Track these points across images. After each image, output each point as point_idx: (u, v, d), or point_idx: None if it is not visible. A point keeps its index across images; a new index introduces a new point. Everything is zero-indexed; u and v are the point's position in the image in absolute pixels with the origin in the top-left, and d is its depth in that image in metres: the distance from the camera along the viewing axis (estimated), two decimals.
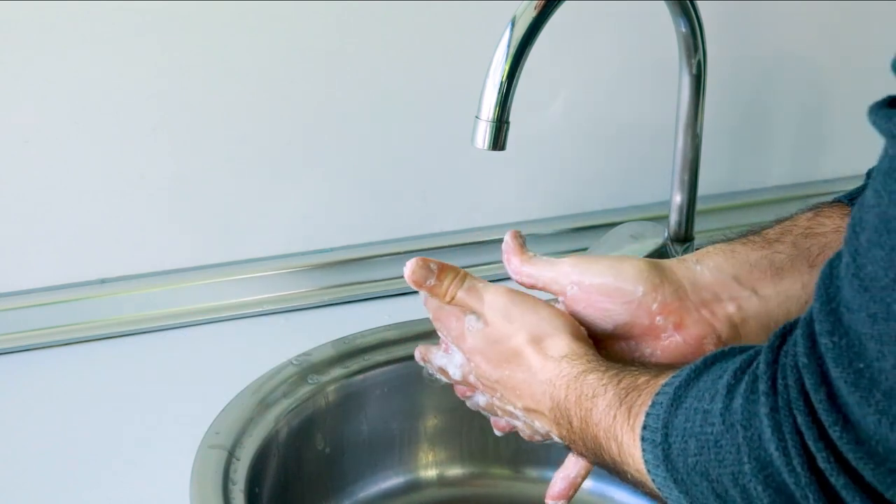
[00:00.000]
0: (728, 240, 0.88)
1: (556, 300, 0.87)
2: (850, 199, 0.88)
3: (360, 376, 1.10)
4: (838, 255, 0.60)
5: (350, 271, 1.20)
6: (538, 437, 0.87)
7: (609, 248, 1.15)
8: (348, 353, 1.11)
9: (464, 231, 1.24)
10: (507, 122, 0.91)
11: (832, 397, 0.59)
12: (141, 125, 1.12)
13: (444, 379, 0.92)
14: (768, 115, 1.31)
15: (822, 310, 0.60)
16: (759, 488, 0.64)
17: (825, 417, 0.60)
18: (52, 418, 1.05)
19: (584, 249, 1.18)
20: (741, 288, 0.85)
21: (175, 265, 1.17)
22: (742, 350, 0.70)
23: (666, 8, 1.04)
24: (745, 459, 0.64)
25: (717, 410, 0.66)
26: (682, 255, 1.10)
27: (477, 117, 0.91)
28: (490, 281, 1.20)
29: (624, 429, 0.75)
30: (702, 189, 1.14)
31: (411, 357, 1.11)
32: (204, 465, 0.97)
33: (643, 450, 0.73)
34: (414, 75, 1.18)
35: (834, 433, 0.59)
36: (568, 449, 0.84)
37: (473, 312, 0.87)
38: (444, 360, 0.91)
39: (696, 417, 0.68)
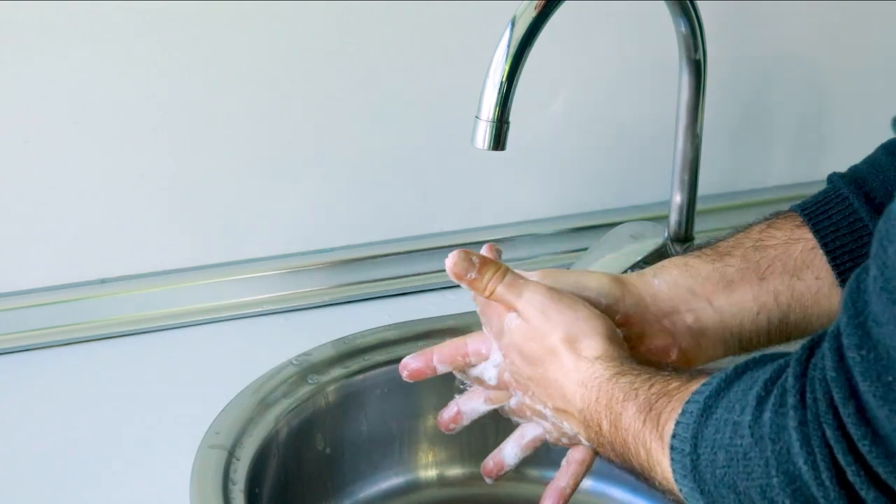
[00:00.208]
0: (684, 254, 0.91)
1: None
2: (803, 209, 0.89)
3: (360, 376, 1.10)
4: (865, 269, 0.60)
5: (350, 271, 1.20)
6: (565, 440, 0.88)
7: (609, 248, 1.15)
8: (348, 353, 1.11)
9: (464, 231, 1.24)
10: (507, 122, 0.91)
11: (861, 411, 0.59)
12: (141, 125, 1.12)
13: (479, 388, 0.93)
14: (768, 115, 1.31)
15: (850, 323, 0.59)
16: (788, 502, 0.64)
17: (854, 431, 0.60)
18: (52, 418, 1.05)
19: (584, 249, 1.18)
20: (696, 299, 0.88)
21: (175, 265, 1.17)
22: (773, 358, 0.70)
23: (666, 8, 1.04)
24: (774, 473, 0.64)
25: (747, 423, 0.66)
26: (681, 254, 1.10)
27: (477, 117, 0.91)
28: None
29: (653, 436, 0.75)
30: (702, 189, 1.14)
31: None
32: (204, 465, 0.97)
33: (671, 459, 0.73)
34: (414, 75, 1.18)
35: (863, 447, 0.59)
36: (596, 454, 0.85)
37: (513, 308, 0.87)
38: (480, 369, 0.91)
39: (726, 429, 0.68)
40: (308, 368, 1.09)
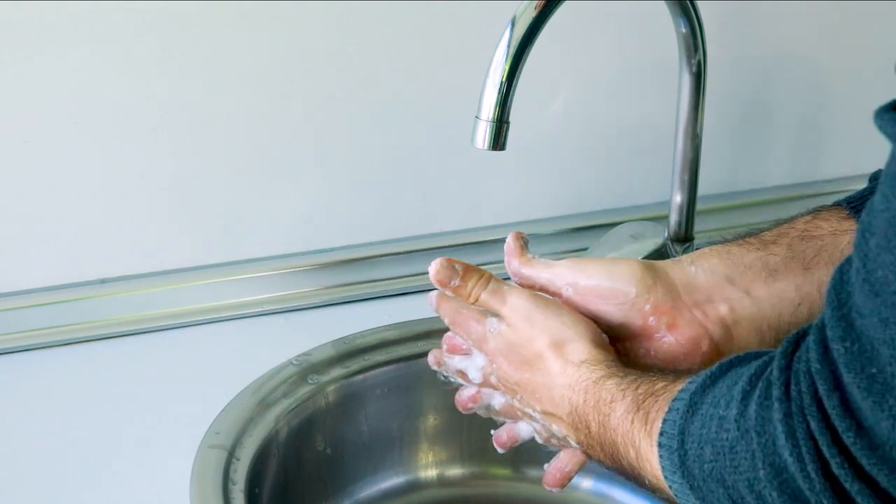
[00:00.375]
0: (726, 241, 0.89)
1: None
2: (849, 202, 0.88)
3: (360, 376, 1.10)
4: (849, 261, 0.60)
5: (350, 271, 1.20)
6: (555, 441, 0.88)
7: (609, 248, 1.15)
8: (348, 353, 1.11)
9: (464, 231, 1.24)
10: (507, 122, 0.91)
11: (845, 403, 0.59)
12: (141, 125, 1.12)
13: (461, 382, 0.92)
14: (768, 115, 1.31)
15: (834, 315, 0.59)
16: (774, 494, 0.64)
17: (838, 423, 0.60)
18: (52, 418, 1.05)
19: (584, 249, 1.18)
20: (734, 289, 0.86)
21: (175, 265, 1.17)
22: (758, 355, 0.70)
23: (666, 8, 1.04)
24: (760, 465, 0.64)
25: (732, 416, 0.66)
26: (681, 254, 1.10)
27: (477, 117, 0.91)
28: None
29: (641, 434, 0.75)
30: (702, 189, 1.14)
31: (411, 357, 1.11)
32: (204, 465, 0.97)
33: (660, 456, 0.73)
34: (414, 75, 1.18)
35: (847, 438, 0.59)
36: (587, 455, 0.84)
37: (496, 315, 0.87)
38: (465, 364, 0.91)
39: (712, 424, 0.68)
40: (308, 368, 1.09)
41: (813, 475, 0.61)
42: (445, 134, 1.19)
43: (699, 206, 1.14)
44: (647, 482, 0.76)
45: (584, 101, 1.24)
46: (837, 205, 0.89)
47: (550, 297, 0.88)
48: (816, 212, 0.89)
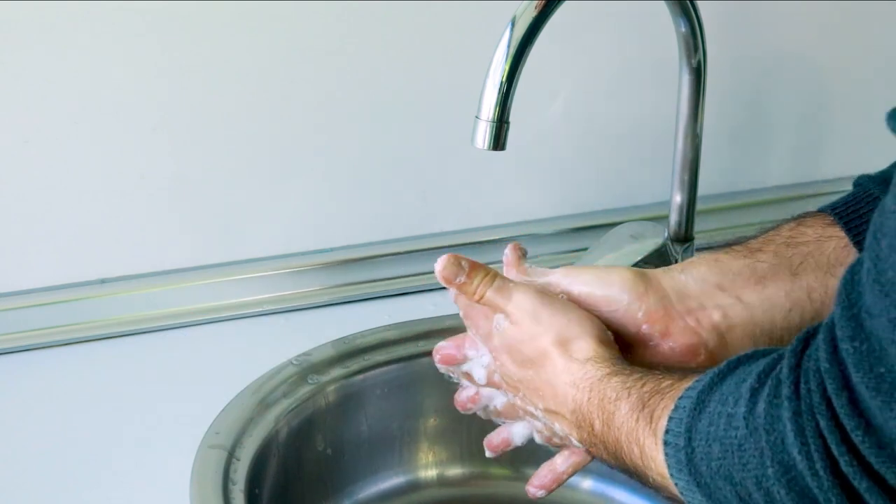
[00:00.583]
0: (712, 249, 0.90)
1: None
2: (833, 209, 0.89)
3: (360, 376, 1.10)
4: (859, 261, 0.60)
5: (350, 271, 1.20)
6: (556, 440, 0.88)
7: (609, 247, 1.15)
8: (348, 353, 1.11)
9: (464, 231, 1.24)
10: (507, 122, 0.91)
11: (854, 402, 0.60)
12: (141, 125, 1.12)
13: (466, 383, 0.92)
14: (768, 115, 1.31)
15: (844, 315, 0.60)
16: (783, 492, 0.64)
17: (847, 422, 0.60)
18: (52, 418, 1.05)
19: (584, 249, 1.18)
20: (725, 296, 0.86)
21: (175, 265, 1.17)
22: (766, 353, 0.70)
23: (666, 8, 1.04)
24: (769, 463, 0.65)
25: (741, 414, 0.67)
26: (681, 255, 1.10)
27: (477, 117, 0.91)
28: None
29: (646, 433, 0.75)
30: (702, 189, 1.14)
31: (411, 357, 1.11)
32: (204, 465, 0.97)
33: (666, 454, 0.73)
34: (414, 75, 1.18)
35: (856, 437, 0.60)
36: (590, 454, 0.84)
37: (502, 312, 0.87)
38: (469, 365, 0.91)
39: (720, 421, 0.68)
40: (308, 368, 1.09)
41: (821, 473, 0.62)
42: (445, 134, 1.19)
43: (699, 206, 1.14)
44: (651, 481, 0.76)
45: (583, 101, 1.24)
46: (821, 211, 0.90)
47: (556, 295, 0.88)
48: (800, 219, 0.90)
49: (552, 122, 1.23)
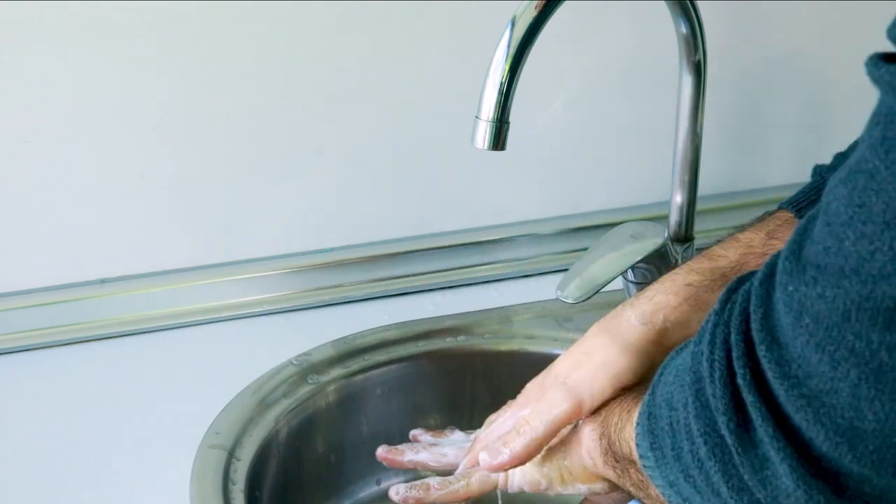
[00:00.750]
0: (692, 265, 0.90)
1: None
2: (796, 207, 0.90)
3: (360, 376, 1.10)
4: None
5: (350, 271, 1.20)
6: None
7: (609, 247, 1.14)
8: (348, 353, 1.11)
9: (464, 231, 1.24)
10: (507, 122, 0.91)
11: (767, 317, 0.61)
12: (141, 125, 1.12)
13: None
14: (768, 115, 1.31)
15: (793, 239, 0.61)
16: (690, 400, 0.66)
17: (756, 335, 0.61)
18: (52, 418, 1.05)
19: (584, 249, 1.18)
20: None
21: (175, 265, 1.17)
22: None
23: (666, 8, 1.04)
24: (687, 373, 0.67)
25: (692, 339, 0.69)
26: (681, 255, 1.10)
27: (477, 117, 0.91)
28: (489, 283, 1.20)
29: (628, 434, 0.77)
30: (702, 189, 1.14)
31: (411, 357, 1.11)
32: (204, 465, 0.97)
33: (636, 433, 0.74)
34: (414, 75, 1.18)
35: (760, 350, 0.61)
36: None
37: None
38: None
39: (679, 357, 0.71)
40: (308, 368, 1.09)
41: (717, 382, 0.63)
42: (445, 134, 1.19)
43: (699, 206, 1.14)
44: (654, 496, 0.77)
45: (583, 101, 1.24)
46: (785, 209, 0.92)
47: None
48: (771, 227, 0.91)
49: (552, 122, 1.23)
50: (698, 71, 1.07)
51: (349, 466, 1.11)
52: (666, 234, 1.14)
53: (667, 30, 1.06)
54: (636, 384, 0.85)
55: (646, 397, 0.74)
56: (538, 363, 0.93)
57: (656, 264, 1.08)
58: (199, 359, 1.13)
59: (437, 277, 1.22)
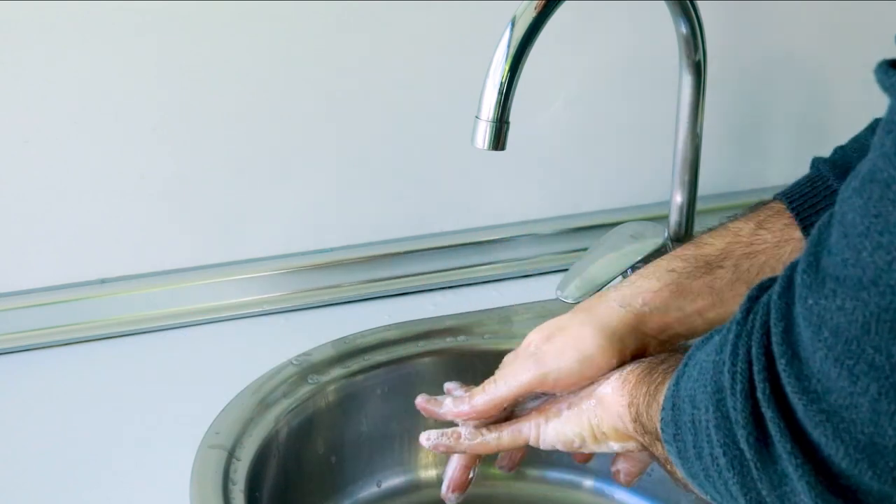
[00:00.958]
0: (674, 258, 0.91)
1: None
2: (790, 200, 0.90)
3: (360, 376, 1.10)
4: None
5: (350, 271, 1.20)
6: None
7: (609, 247, 1.14)
8: (348, 353, 1.11)
9: (464, 231, 1.24)
10: (507, 122, 0.91)
11: (788, 331, 0.60)
12: (141, 125, 1.12)
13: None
14: (768, 115, 1.31)
15: (809, 250, 0.61)
16: (711, 410, 0.65)
17: (776, 349, 0.61)
18: (52, 418, 1.05)
19: (584, 249, 1.18)
20: (687, 316, 0.90)
21: (175, 265, 1.17)
22: None
23: (666, 8, 1.04)
24: (709, 380, 0.66)
25: (717, 340, 0.68)
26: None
27: (477, 117, 0.91)
28: (489, 283, 1.20)
29: (654, 412, 0.77)
30: (702, 189, 1.14)
31: (411, 357, 1.11)
32: (204, 465, 0.97)
33: (661, 418, 0.74)
34: (414, 75, 1.18)
35: (780, 365, 0.60)
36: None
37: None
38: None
39: (707, 347, 0.70)
40: (308, 368, 1.09)
41: (739, 395, 0.63)
42: (445, 134, 1.19)
43: (699, 206, 1.14)
44: (679, 478, 0.77)
45: (584, 101, 1.24)
46: (779, 201, 0.91)
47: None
48: (762, 216, 0.91)
49: (552, 122, 1.23)
50: (698, 71, 1.07)
51: (349, 466, 1.11)
52: (666, 234, 1.14)
53: (667, 30, 1.06)
54: (605, 364, 0.86)
55: (671, 384, 0.74)
56: None
57: None
58: (199, 359, 1.13)
59: (437, 277, 1.22)
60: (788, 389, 0.60)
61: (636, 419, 0.81)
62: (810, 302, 0.59)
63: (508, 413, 0.91)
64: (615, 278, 1.07)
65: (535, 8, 0.90)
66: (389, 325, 1.15)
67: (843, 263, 0.57)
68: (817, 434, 0.59)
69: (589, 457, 0.94)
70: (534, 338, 0.89)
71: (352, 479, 1.11)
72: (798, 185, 0.92)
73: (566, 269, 1.15)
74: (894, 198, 0.55)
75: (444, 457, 1.15)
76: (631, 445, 0.85)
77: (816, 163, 0.93)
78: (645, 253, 1.11)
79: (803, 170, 1.35)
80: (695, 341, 0.74)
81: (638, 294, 0.89)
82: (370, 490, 1.13)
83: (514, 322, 1.16)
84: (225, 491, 0.94)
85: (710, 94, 1.10)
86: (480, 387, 0.90)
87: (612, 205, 1.27)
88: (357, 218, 1.21)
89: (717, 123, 1.22)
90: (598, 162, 1.27)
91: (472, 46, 1.05)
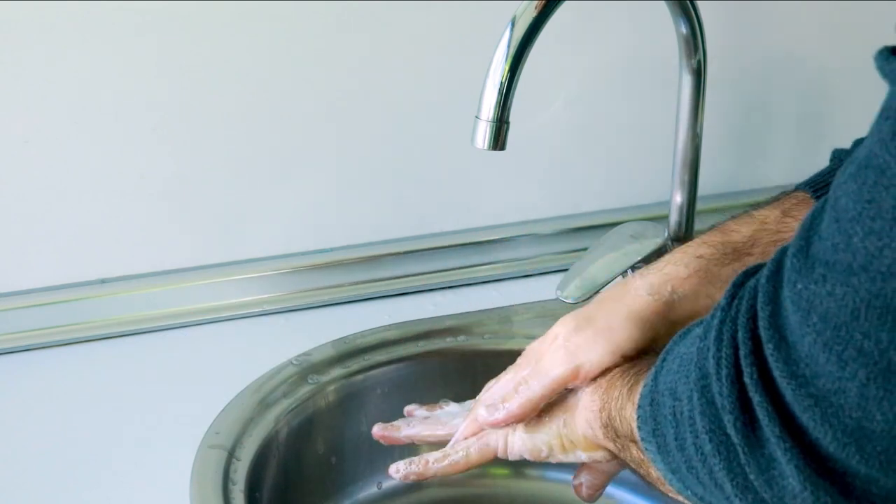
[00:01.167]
0: (704, 238, 0.90)
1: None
2: (814, 188, 0.90)
3: (360, 376, 1.10)
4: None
5: (350, 271, 1.20)
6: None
7: (609, 247, 1.14)
8: (348, 353, 1.11)
9: (464, 231, 1.24)
10: (507, 122, 0.91)
11: (775, 315, 0.60)
12: (141, 125, 1.12)
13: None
14: (768, 115, 1.31)
15: (800, 234, 0.60)
16: (696, 397, 0.65)
17: (763, 333, 0.61)
18: (52, 418, 1.05)
19: (584, 249, 1.18)
20: (715, 303, 0.87)
21: (175, 265, 1.17)
22: None
23: (666, 8, 1.04)
24: (693, 368, 0.66)
25: (699, 331, 0.68)
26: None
27: (477, 117, 0.91)
28: (489, 283, 1.20)
29: (628, 413, 0.77)
30: (702, 189, 1.14)
31: (411, 357, 1.11)
32: (204, 465, 0.97)
33: (638, 416, 0.74)
34: (414, 75, 1.18)
35: (767, 349, 0.60)
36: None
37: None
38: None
39: (685, 340, 0.70)
40: (308, 368, 1.09)
41: (724, 380, 0.62)
42: (445, 134, 1.19)
43: (699, 206, 1.14)
44: (654, 479, 0.76)
45: (584, 101, 1.24)
46: (802, 190, 0.91)
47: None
48: (786, 205, 0.90)
49: (552, 122, 1.23)
50: (698, 71, 1.07)
51: (349, 466, 1.11)
52: (666, 234, 1.14)
53: (667, 30, 1.06)
54: (635, 355, 0.85)
55: (647, 380, 0.73)
56: None
57: None
58: (199, 359, 1.13)
59: (437, 277, 1.22)
60: (776, 374, 0.60)
61: (607, 424, 0.81)
62: (799, 286, 0.59)
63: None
64: (615, 278, 1.07)
65: (535, 8, 0.90)
66: (389, 325, 1.15)
67: (833, 248, 0.57)
68: (805, 418, 0.59)
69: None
70: (560, 330, 0.87)
71: (352, 479, 1.11)
72: (821, 174, 0.91)
73: (566, 269, 1.14)
74: (888, 184, 0.55)
75: None
76: (599, 455, 0.85)
77: (838, 154, 0.93)
78: (645, 253, 1.11)
79: (803, 170, 1.34)
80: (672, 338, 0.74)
81: (667, 281, 0.87)
82: (370, 490, 1.13)
83: (514, 322, 1.16)
84: (225, 491, 0.94)
85: (710, 95, 1.09)
86: (511, 388, 0.88)
87: (612, 205, 1.27)
88: (357, 218, 1.21)
89: (717, 123, 1.22)
90: (598, 162, 1.27)
91: (472, 46, 1.05)
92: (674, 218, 1.14)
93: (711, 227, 0.92)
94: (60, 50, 1.07)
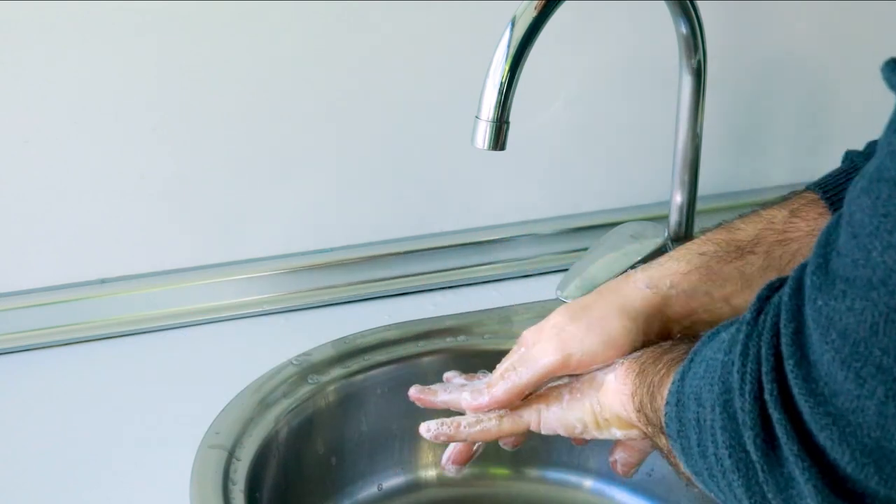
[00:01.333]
0: (706, 236, 0.90)
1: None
2: (824, 190, 0.89)
3: (360, 376, 1.10)
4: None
5: (350, 271, 1.20)
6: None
7: (609, 247, 1.15)
8: (348, 353, 1.11)
9: (464, 231, 1.24)
10: (507, 122, 0.91)
11: (798, 333, 0.60)
12: (141, 125, 1.12)
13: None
14: (768, 115, 1.31)
15: (817, 252, 0.60)
16: (718, 410, 0.65)
17: (785, 350, 0.60)
18: (52, 418, 1.05)
19: (585, 249, 1.18)
20: (714, 302, 0.88)
21: (175, 265, 1.17)
22: None
23: (666, 8, 1.04)
24: (717, 381, 0.66)
25: (726, 339, 0.68)
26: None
27: (477, 117, 0.91)
28: (489, 283, 1.20)
29: (658, 405, 0.77)
30: (702, 189, 1.14)
31: (411, 357, 1.11)
32: (204, 465, 0.97)
33: (666, 412, 0.73)
34: (414, 75, 1.18)
35: (788, 366, 0.60)
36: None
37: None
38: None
39: (713, 344, 0.70)
40: (308, 368, 1.09)
41: (747, 396, 0.62)
42: (445, 134, 1.19)
43: (699, 206, 1.14)
44: (681, 470, 0.76)
45: (584, 101, 1.24)
46: (811, 191, 0.91)
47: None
48: (795, 205, 0.90)
49: (552, 122, 1.23)
50: (698, 71, 1.07)
51: (349, 466, 1.11)
52: (666, 234, 1.15)
53: (667, 30, 1.06)
54: (629, 347, 0.85)
55: (675, 377, 0.73)
56: None
57: None
58: (199, 359, 1.13)
59: (437, 277, 1.22)
60: (795, 391, 0.59)
61: (640, 409, 0.81)
62: (819, 303, 0.58)
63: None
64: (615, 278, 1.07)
65: (535, 8, 0.91)
66: (389, 325, 1.15)
67: (853, 264, 0.57)
68: (823, 437, 0.58)
69: (586, 441, 0.94)
70: (557, 318, 0.87)
71: (352, 480, 1.11)
72: (832, 175, 0.91)
73: (566, 269, 1.15)
74: None
75: (443, 457, 1.15)
76: (634, 433, 0.84)
77: (850, 155, 0.92)
78: (645, 253, 1.11)
79: (803, 170, 1.35)
80: (701, 335, 0.74)
81: (666, 276, 0.88)
82: (370, 490, 1.13)
83: (514, 322, 1.16)
84: (225, 491, 0.94)
85: (710, 95, 1.10)
86: (498, 374, 0.88)
87: (612, 205, 1.27)
88: (357, 218, 1.21)
89: (717, 123, 1.22)
90: (598, 162, 1.27)
91: (472, 46, 1.05)
92: (674, 218, 1.14)
93: (718, 225, 0.92)
94: (60, 50, 1.07)
